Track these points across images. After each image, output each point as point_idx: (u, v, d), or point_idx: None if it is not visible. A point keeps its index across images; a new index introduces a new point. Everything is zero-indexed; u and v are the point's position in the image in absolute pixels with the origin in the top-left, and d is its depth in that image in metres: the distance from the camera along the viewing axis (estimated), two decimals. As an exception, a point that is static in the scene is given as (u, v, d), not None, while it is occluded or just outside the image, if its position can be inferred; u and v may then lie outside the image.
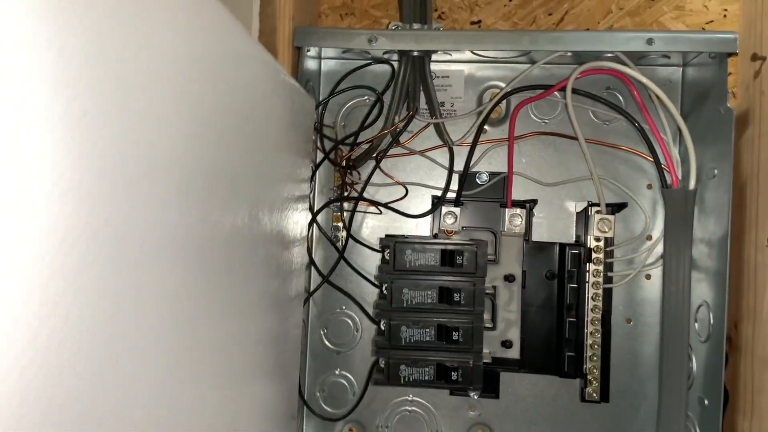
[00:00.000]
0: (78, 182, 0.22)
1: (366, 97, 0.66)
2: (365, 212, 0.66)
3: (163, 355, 0.29)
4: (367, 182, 0.62)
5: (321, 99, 0.65)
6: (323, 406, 0.66)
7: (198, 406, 0.34)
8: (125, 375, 0.26)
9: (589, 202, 0.61)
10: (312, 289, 0.65)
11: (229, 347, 0.39)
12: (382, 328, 0.58)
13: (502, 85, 0.64)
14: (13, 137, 0.18)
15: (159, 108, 0.27)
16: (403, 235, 0.63)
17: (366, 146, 0.63)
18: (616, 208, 0.61)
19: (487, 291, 0.61)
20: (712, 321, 0.55)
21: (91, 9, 0.22)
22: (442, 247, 0.57)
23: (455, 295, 0.56)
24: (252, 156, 0.41)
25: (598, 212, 0.61)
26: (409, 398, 0.65)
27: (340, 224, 0.65)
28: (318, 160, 0.64)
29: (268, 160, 0.45)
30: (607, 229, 0.60)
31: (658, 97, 0.55)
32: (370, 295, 0.65)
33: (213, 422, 0.37)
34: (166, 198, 0.28)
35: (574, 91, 0.61)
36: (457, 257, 0.56)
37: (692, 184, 0.55)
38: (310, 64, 0.64)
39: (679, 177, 0.56)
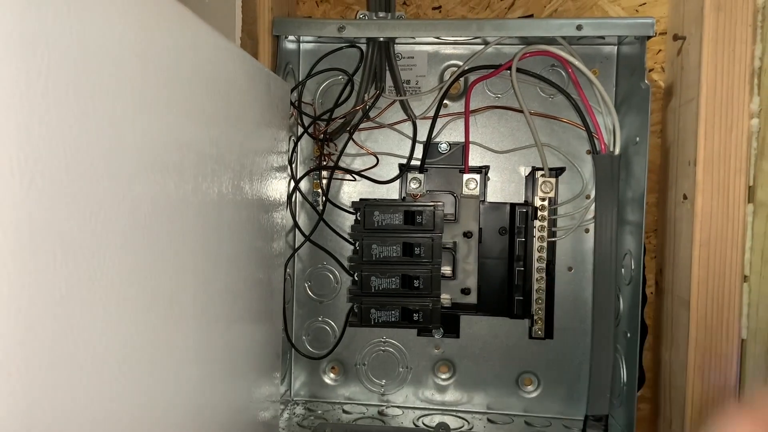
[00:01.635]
0: (75, 150, 0.30)
1: (340, 77, 0.74)
2: (342, 179, 0.75)
3: (165, 298, 0.39)
4: (341, 153, 0.71)
5: (300, 79, 0.73)
6: (309, 347, 0.77)
7: (198, 343, 0.44)
8: (135, 314, 0.35)
9: (533, 167, 0.71)
10: (296, 246, 0.75)
11: (223, 295, 0.49)
12: (356, 278, 0.68)
13: (461, 63, 0.73)
14: None
15: (152, 99, 0.36)
16: (374, 199, 0.73)
17: (340, 121, 0.72)
18: (557, 171, 0.70)
19: (448, 246, 0.71)
20: (632, 266, 0.65)
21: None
22: (405, 208, 0.67)
23: (416, 249, 0.66)
24: (235, 134, 0.50)
25: (542, 176, 0.70)
26: (383, 339, 0.75)
27: (320, 191, 0.74)
28: (299, 134, 0.73)
29: (249, 138, 0.54)
30: (549, 190, 0.69)
31: (585, 75, 0.64)
32: (347, 251, 0.75)
33: (212, 357, 0.47)
34: (164, 171, 0.37)
35: (522, 69, 0.69)
36: (417, 216, 0.66)
37: (617, 150, 0.64)
38: (290, 47, 0.73)
39: (607, 144, 0.65)
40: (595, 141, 0.66)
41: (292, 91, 0.69)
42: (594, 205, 0.70)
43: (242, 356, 0.54)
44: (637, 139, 0.64)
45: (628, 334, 0.65)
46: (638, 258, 0.64)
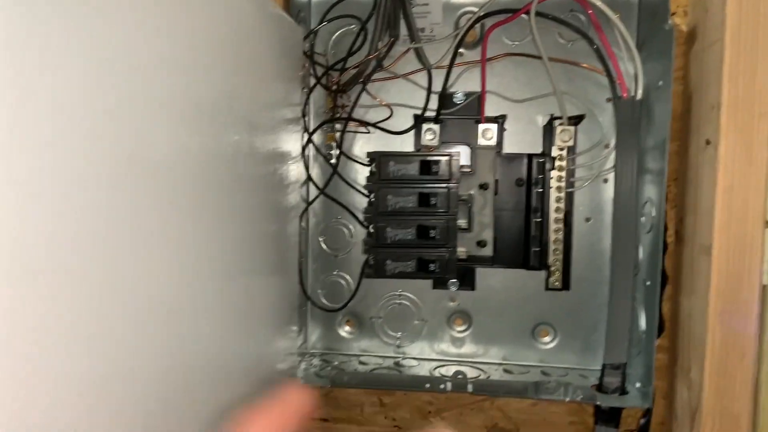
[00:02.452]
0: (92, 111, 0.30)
1: (353, 26, 0.73)
2: (355, 132, 0.74)
3: (183, 253, 0.38)
4: (355, 104, 0.69)
5: (312, 28, 0.72)
6: (324, 301, 0.77)
7: (215, 296, 0.44)
8: (150, 267, 0.34)
9: (552, 115, 0.69)
10: (310, 200, 0.74)
11: (238, 248, 0.48)
12: (371, 230, 0.67)
13: (476, 9, 0.71)
14: None
15: (158, 46, 0.35)
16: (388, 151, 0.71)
17: (354, 71, 0.70)
18: (576, 120, 0.69)
19: (464, 198, 0.70)
20: (653, 214, 0.64)
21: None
22: (421, 158, 0.65)
23: (432, 199, 0.65)
24: (248, 84, 0.49)
25: (560, 124, 0.68)
26: (398, 292, 0.75)
27: (333, 143, 0.73)
28: (311, 85, 0.71)
29: (261, 87, 0.53)
30: (567, 139, 0.68)
31: (607, 16, 0.62)
32: (361, 205, 0.74)
33: (229, 310, 0.47)
34: (178, 123, 0.36)
35: (541, 14, 0.67)
36: (434, 166, 0.65)
37: (639, 94, 0.62)
38: (301, -3, 0.71)
39: (629, 88, 0.63)
40: (617, 86, 0.64)
41: (304, 39, 0.68)
42: (614, 153, 0.69)
43: (259, 309, 0.54)
44: (660, 83, 0.62)
45: (648, 282, 0.65)
46: (660, 205, 0.63)
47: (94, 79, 0.28)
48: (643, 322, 0.66)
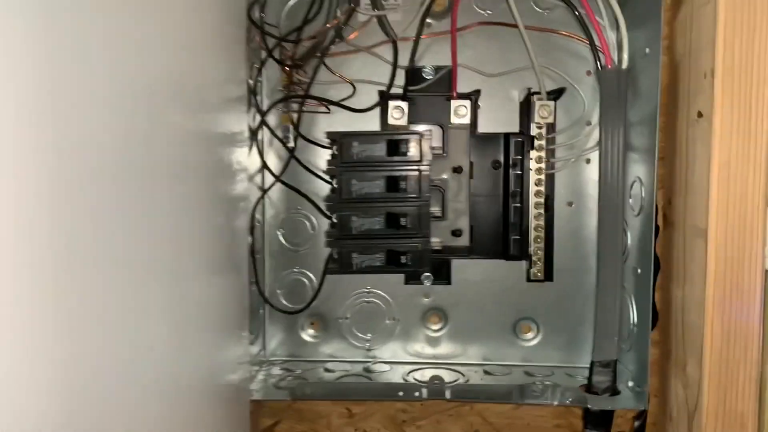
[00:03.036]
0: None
1: (308, -6, 0.65)
2: (314, 112, 0.67)
3: (110, 250, 0.30)
4: (312, 79, 0.62)
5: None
6: (284, 302, 0.69)
7: (150, 299, 0.36)
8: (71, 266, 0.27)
9: (530, 89, 0.63)
10: (265, 188, 0.67)
11: (176, 243, 0.41)
12: (334, 220, 0.60)
13: (444, -24, 0.64)
14: None
15: (81, 15, 0.27)
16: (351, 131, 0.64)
17: (310, 43, 0.63)
18: (555, 94, 0.63)
19: (436, 183, 0.64)
20: (643, 195, 0.59)
21: None
22: (388, 137, 0.59)
23: (401, 183, 0.58)
24: (182, 56, 0.41)
25: (539, 99, 0.62)
26: (367, 290, 0.68)
27: (290, 125, 0.66)
28: (262, 59, 0.64)
29: (200, 60, 0.45)
30: (547, 115, 0.62)
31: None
32: (324, 193, 0.67)
33: (167, 314, 0.39)
34: (104, 103, 0.29)
35: (515, -22, 0.61)
36: (402, 146, 0.58)
37: (625, 63, 0.56)
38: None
39: (614, 58, 0.58)
40: (600, 56, 0.58)
41: (251, 5, 0.60)
42: (596, 131, 0.63)
43: (202, 313, 0.47)
44: (647, 50, 0.57)
45: (639, 270, 0.59)
46: (650, 185, 0.57)
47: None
48: (634, 314, 0.60)
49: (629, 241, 0.61)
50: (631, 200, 0.61)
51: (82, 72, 0.28)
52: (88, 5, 0.29)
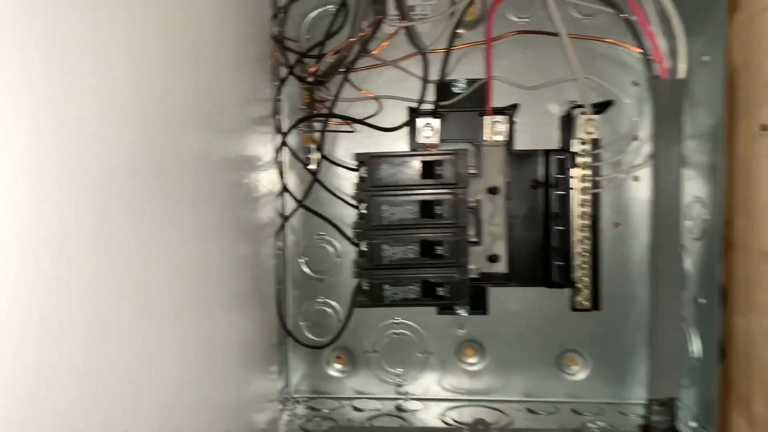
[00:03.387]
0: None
1: (330, 6, 0.61)
2: (337, 131, 0.62)
3: (128, 283, 0.26)
4: (336, 97, 0.57)
5: (280, 5, 0.59)
6: (308, 335, 0.64)
7: (173, 335, 0.31)
8: (98, 309, 0.23)
9: (572, 102, 0.58)
10: (287, 215, 0.62)
11: (198, 275, 0.36)
12: (363, 249, 0.55)
13: (476, -18, 0.59)
14: None
15: (101, 32, 0.23)
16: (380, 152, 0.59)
17: (333, 58, 0.58)
18: (601, 107, 0.58)
19: (471, 204, 0.59)
20: (705, 217, 0.53)
21: None
22: (421, 158, 0.54)
23: (437, 208, 0.53)
24: (205, 75, 0.37)
25: (582, 113, 0.57)
26: (397, 320, 0.63)
27: (312, 145, 0.61)
28: (282, 76, 0.59)
29: (222, 79, 0.41)
30: (593, 130, 0.57)
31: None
32: (349, 218, 0.62)
33: (188, 353, 0.34)
34: (122, 123, 0.25)
35: (553, -17, 0.56)
36: (437, 168, 0.53)
37: (682, 73, 0.51)
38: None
39: (668, 67, 0.53)
40: (653, 65, 0.53)
41: (272, 18, 0.56)
42: (645, 146, 0.58)
43: (228, 349, 0.42)
44: (706, 57, 0.52)
45: (700, 300, 0.54)
46: (714, 206, 0.52)
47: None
48: (697, 347, 0.54)
49: (688, 267, 0.56)
50: (689, 222, 0.56)
51: (99, 88, 0.24)
52: (109, 22, 0.25)
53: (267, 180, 0.52)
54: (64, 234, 0.22)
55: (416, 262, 0.54)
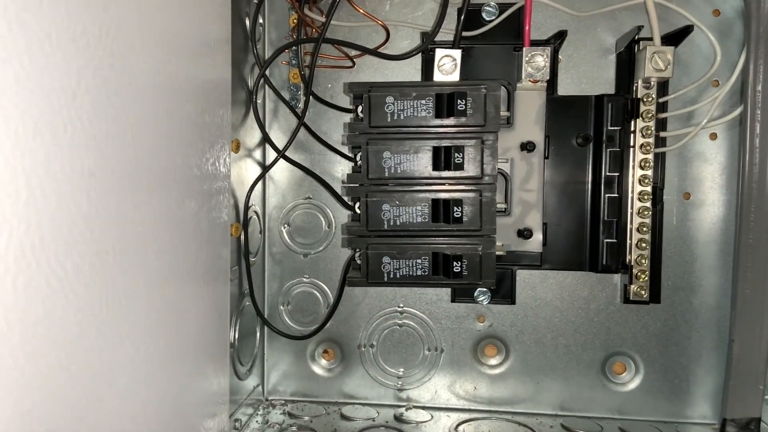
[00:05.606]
0: None
1: None
2: (333, 67, 0.49)
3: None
4: (330, 16, 0.44)
5: None
6: (289, 322, 0.52)
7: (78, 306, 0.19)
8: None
9: (638, 28, 0.45)
10: (266, 166, 0.49)
11: (114, 232, 0.24)
12: (357, 210, 0.42)
13: None
14: None
15: None
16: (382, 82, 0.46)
17: (329, -31, 0.45)
18: (675, 38, 0.45)
19: (500, 162, 0.46)
20: (817, 179, 0.40)
21: None
22: (437, 90, 0.41)
23: (456, 156, 0.40)
24: None
25: (649, 45, 0.44)
26: (399, 308, 0.50)
27: (299, 82, 0.48)
28: (263, -10, 0.47)
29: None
30: (663, 66, 0.44)
31: None
32: (344, 174, 0.50)
33: (103, 334, 0.22)
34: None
35: None
36: (459, 102, 0.40)
37: (795, -17, 0.38)
38: None
39: (773, -22, 0.39)
40: (751, -26, 0.40)
41: None
42: (731, 93, 0.45)
43: (157, 334, 0.29)
44: (827, -36, 0.38)
45: (805, 292, 0.40)
46: (833, 162, 0.39)
47: None
48: (794, 355, 0.41)
49: (784, 250, 0.42)
50: (789, 189, 0.42)
51: None
52: None
53: (221, 117, 0.39)
54: None
55: (426, 228, 0.41)
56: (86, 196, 0.23)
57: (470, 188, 0.41)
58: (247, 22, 0.46)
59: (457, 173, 0.40)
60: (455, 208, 0.40)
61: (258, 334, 0.50)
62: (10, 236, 0.19)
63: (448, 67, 0.45)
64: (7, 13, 0.18)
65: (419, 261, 0.41)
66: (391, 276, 0.41)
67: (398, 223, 0.41)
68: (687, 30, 0.44)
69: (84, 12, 0.22)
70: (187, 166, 0.33)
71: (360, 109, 0.42)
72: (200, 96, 0.34)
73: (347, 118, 0.49)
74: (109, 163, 0.24)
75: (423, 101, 0.40)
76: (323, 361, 0.52)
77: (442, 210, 0.41)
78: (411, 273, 0.41)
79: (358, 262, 0.42)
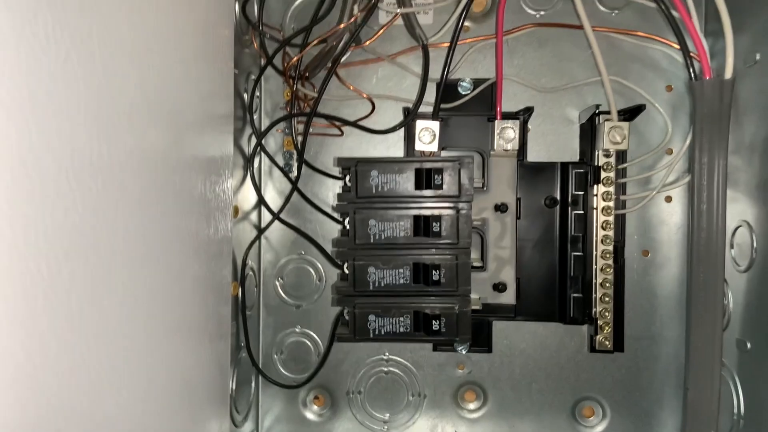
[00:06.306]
0: None
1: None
2: (324, 135, 0.54)
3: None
4: (321, 93, 0.49)
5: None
6: (282, 370, 0.55)
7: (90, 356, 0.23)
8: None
9: (597, 106, 0.50)
10: (262, 228, 0.53)
11: (120, 294, 0.28)
12: (346, 271, 0.46)
13: (486, -30, 0.52)
14: None
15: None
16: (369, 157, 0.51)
17: (320, 48, 0.50)
18: (630, 114, 0.50)
19: (475, 223, 0.50)
20: (755, 244, 0.44)
21: None
22: (417, 165, 0.45)
23: (434, 224, 0.45)
24: (163, 65, 0.29)
25: (608, 120, 0.49)
26: (385, 357, 0.54)
27: (294, 151, 0.53)
28: (261, 66, 0.52)
29: (181, 70, 0.33)
30: (620, 140, 0.49)
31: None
32: (333, 234, 0.54)
33: (115, 384, 0.26)
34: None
35: (576, -29, 0.48)
36: (436, 177, 0.45)
37: (729, 73, 0.43)
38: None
39: (712, 66, 0.44)
40: (694, 65, 0.45)
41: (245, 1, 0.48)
42: (682, 160, 0.50)
43: (163, 385, 0.33)
44: (757, 56, 0.44)
45: (748, 344, 0.45)
46: (766, 231, 0.43)
47: None
48: (739, 402, 0.45)
49: (731, 305, 0.47)
50: (733, 250, 0.47)
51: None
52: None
53: (221, 187, 0.43)
54: None
55: (408, 289, 0.45)
56: (107, 271, 0.27)
57: (447, 253, 0.45)
58: (245, 96, 0.51)
59: (436, 240, 0.45)
60: (434, 271, 0.44)
61: (253, 383, 0.54)
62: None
63: (426, 138, 0.50)
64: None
65: (402, 319, 0.45)
66: (377, 333, 0.45)
67: (383, 284, 0.45)
68: (640, 108, 0.49)
69: (105, 91, 0.26)
70: (194, 233, 0.37)
71: (348, 179, 0.46)
72: (205, 168, 0.39)
73: (334, 183, 0.53)
74: (124, 233, 0.28)
75: (404, 174, 0.45)
76: (314, 407, 0.56)
77: (422, 272, 0.45)
78: (394, 330, 0.45)
79: (347, 318, 0.46)
